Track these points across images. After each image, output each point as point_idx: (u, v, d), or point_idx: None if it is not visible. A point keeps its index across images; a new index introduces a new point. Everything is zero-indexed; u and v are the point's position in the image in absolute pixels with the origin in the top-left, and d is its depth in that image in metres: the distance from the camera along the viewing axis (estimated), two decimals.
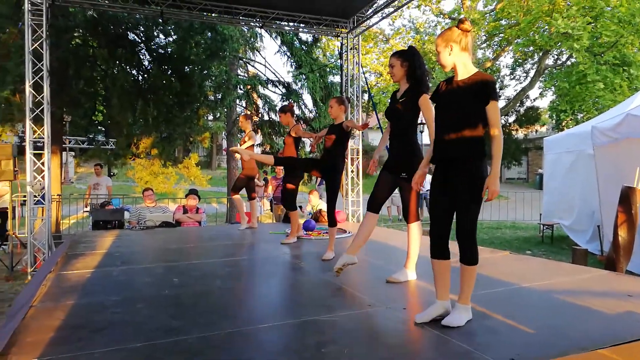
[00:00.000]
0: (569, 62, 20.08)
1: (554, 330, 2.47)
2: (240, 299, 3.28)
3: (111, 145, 11.85)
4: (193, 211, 7.64)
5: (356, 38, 9.54)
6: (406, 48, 3.52)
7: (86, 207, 9.33)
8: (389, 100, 3.60)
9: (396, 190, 3.58)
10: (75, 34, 8.28)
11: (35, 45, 6.82)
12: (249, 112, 6.48)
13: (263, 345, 2.35)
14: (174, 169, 12.65)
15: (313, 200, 8.79)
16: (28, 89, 6.77)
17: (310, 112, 15.49)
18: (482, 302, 2.87)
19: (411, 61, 3.37)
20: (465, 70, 2.52)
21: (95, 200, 9.19)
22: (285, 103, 6.95)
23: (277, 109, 8.55)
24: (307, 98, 22.05)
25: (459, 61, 2.52)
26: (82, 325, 2.61)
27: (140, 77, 9.63)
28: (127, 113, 9.40)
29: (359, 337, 2.43)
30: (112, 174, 12.75)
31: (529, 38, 17.68)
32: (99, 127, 11.11)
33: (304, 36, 15.72)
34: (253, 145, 6.34)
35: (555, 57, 21.67)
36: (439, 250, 2.58)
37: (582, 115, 19.57)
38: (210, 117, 15.60)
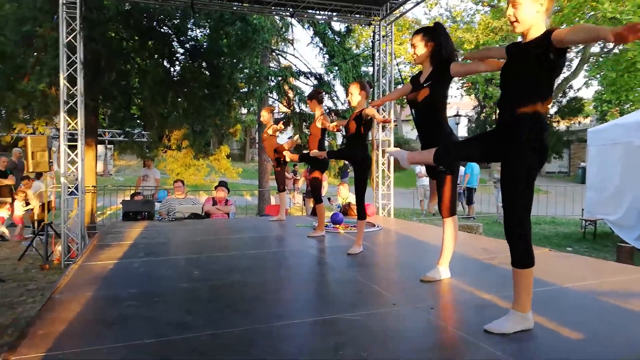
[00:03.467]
0: (616, 50, 18.98)
1: (599, 337, 2.22)
2: (259, 294, 3.15)
3: (146, 138, 12.03)
4: (222, 203, 7.61)
5: (389, 26, 9.24)
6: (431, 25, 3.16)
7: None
8: (410, 84, 3.24)
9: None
10: (108, 27, 8.36)
11: (69, 38, 6.91)
12: (271, 106, 6.35)
13: (275, 345, 2.21)
14: (205, 161, 12.74)
15: (342, 192, 8.60)
16: (62, 82, 6.87)
17: (343, 103, 15.28)
18: None
19: (437, 40, 3.00)
20: (537, 36, 2.10)
21: (142, 191, 9.36)
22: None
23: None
24: (340, 90, 21.81)
25: (537, 22, 2.10)
26: (94, 319, 2.55)
27: (171, 69, 9.69)
28: (158, 105, 9.47)
29: (379, 338, 2.25)
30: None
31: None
32: (136, 120, 11.27)
33: (337, 26, 15.50)
34: (276, 136, 6.17)
35: (602, 44, 20.54)
36: None
37: (628, 105, 18.50)
38: (243, 110, 15.62)
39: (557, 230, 10.47)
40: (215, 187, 7.95)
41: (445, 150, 2.52)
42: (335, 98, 16.14)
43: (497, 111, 2.33)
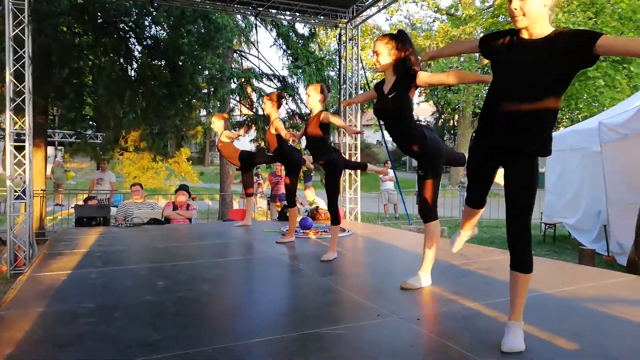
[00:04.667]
0: None
1: (596, 348, 2.15)
2: (230, 307, 2.93)
3: (99, 139, 11.43)
4: (183, 208, 7.27)
5: (355, 29, 9.19)
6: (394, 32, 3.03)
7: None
8: (375, 91, 3.13)
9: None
10: (59, 20, 7.84)
11: (17, 31, 6.40)
12: (224, 114, 6.14)
13: None
14: (164, 164, 12.24)
15: (309, 196, 8.44)
16: (9, 77, 6.35)
17: (307, 107, 15.15)
18: (505, 311, 2.53)
19: (401, 48, 2.88)
20: (541, 31, 1.98)
21: (96, 195, 8.82)
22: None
23: None
24: (303, 93, 21.69)
25: (543, 17, 1.97)
26: (46, 339, 2.25)
27: (128, 67, 9.22)
28: (114, 105, 8.98)
29: (369, 354, 2.09)
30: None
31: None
32: (89, 121, 10.67)
33: (301, 29, 15.38)
34: (232, 141, 5.94)
35: None
36: None
37: (577, 113, 19.34)
38: (203, 112, 15.21)
39: None
40: (176, 191, 7.59)
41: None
42: (299, 101, 16.01)
43: (486, 113, 2.18)
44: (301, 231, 5.53)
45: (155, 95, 9.17)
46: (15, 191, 6.46)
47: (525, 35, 2.02)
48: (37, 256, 4.63)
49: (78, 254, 4.33)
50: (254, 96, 14.49)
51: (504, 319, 2.25)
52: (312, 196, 8.42)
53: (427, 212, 3.03)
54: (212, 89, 10.95)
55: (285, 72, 15.36)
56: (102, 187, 9.31)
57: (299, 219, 5.79)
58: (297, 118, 15.17)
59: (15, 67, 6.39)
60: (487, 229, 11.37)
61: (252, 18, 15.54)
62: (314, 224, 6.01)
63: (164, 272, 3.65)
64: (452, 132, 37.39)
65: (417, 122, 3.13)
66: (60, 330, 2.37)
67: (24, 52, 6.43)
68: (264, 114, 13.97)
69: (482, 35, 2.55)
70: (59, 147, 18.14)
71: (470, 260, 4.02)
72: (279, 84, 15.55)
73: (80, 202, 8.23)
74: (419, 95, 31.02)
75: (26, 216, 6.53)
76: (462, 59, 20.98)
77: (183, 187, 7.56)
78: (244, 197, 7.44)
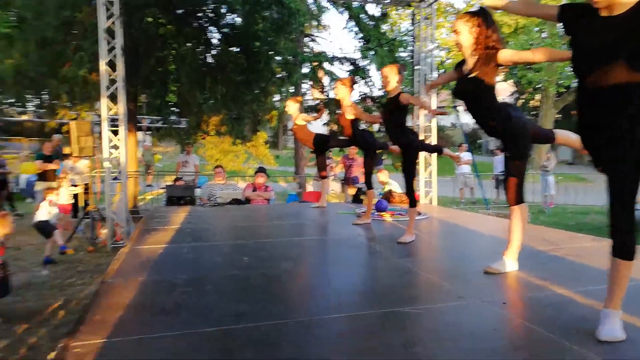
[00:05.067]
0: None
1: None
2: (310, 285, 3.04)
3: (183, 124, 12.10)
4: (262, 189, 7.55)
5: (429, 7, 8.88)
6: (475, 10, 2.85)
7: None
8: (455, 72, 3.03)
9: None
10: (146, 12, 8.34)
11: (109, 23, 6.91)
12: (298, 97, 6.23)
13: (341, 339, 2.08)
14: (243, 147, 12.73)
15: (382, 178, 8.40)
16: (103, 67, 6.90)
17: (380, 89, 14.97)
18: (598, 299, 2.40)
19: (482, 26, 2.73)
20: (620, 8, 1.87)
21: (182, 177, 9.42)
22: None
23: None
24: (376, 75, 21.44)
25: None
26: (149, 306, 2.48)
27: (208, 55, 9.64)
28: (196, 92, 9.45)
29: (451, 336, 2.09)
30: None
31: None
32: (172, 108, 11.33)
33: (372, 10, 15.14)
34: (306, 124, 6.02)
35: None
36: None
37: None
38: (277, 97, 15.59)
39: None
40: (255, 173, 7.89)
41: None
42: (370, 84, 15.86)
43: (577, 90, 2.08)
44: (377, 213, 5.55)
45: (232, 81, 9.52)
46: (112, 172, 7.06)
47: (604, 13, 1.90)
48: (134, 231, 5.05)
49: (170, 230, 4.67)
50: (325, 80, 14.57)
51: (597, 307, 2.14)
52: (385, 178, 8.37)
53: (514, 194, 2.92)
54: (286, 74, 11.16)
55: (356, 55, 15.23)
56: (187, 169, 9.91)
57: (374, 202, 5.80)
58: (369, 101, 15.07)
59: (109, 57, 6.92)
60: (573, 215, 10.69)
61: (323, 1, 15.56)
62: (388, 206, 6.00)
63: (247, 250, 3.85)
64: (533, 112, 35.20)
65: (502, 102, 3.00)
66: (159, 298, 2.60)
67: (115, 44, 6.94)
68: (335, 97, 14.05)
69: (563, 3, 2.38)
70: (147, 132, 19.46)
71: (557, 246, 3.82)
72: (350, 67, 15.50)
73: (169, 183, 8.82)
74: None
75: (122, 195, 7.13)
76: (544, 34, 19.61)
77: (261, 170, 7.84)
78: (318, 179, 7.57)
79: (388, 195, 7.32)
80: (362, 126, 5.37)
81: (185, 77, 9.08)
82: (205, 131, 10.51)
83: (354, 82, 5.23)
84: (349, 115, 5.01)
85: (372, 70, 14.82)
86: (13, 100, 8.81)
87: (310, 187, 12.14)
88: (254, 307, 2.42)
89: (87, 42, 7.46)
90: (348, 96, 5.08)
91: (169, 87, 10.19)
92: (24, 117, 13.97)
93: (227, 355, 1.90)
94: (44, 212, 6.32)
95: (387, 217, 5.49)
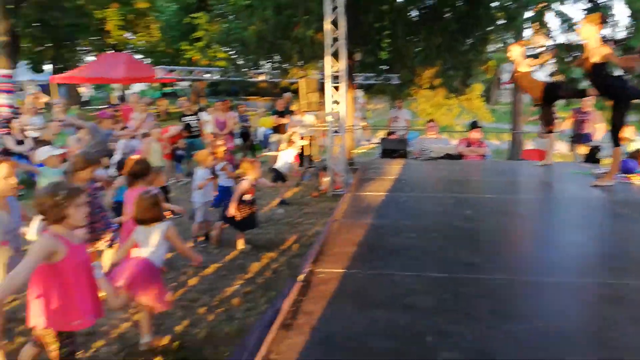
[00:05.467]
0: None
1: None
2: (545, 243, 2.76)
3: (396, 80, 12.20)
4: (476, 145, 7.16)
5: None
6: None
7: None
8: None
9: None
10: None
11: None
12: (522, 41, 5.43)
13: (587, 305, 1.84)
14: (456, 101, 12.22)
15: (626, 134, 7.04)
16: (327, 26, 7.35)
17: (626, 28, 12.38)
18: None
19: None
20: None
21: (395, 131, 9.70)
22: None
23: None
24: (620, 11, 17.70)
25: None
26: (378, 245, 2.62)
27: (424, 5, 9.36)
28: (411, 44, 9.34)
29: None
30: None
31: None
32: (384, 64, 11.48)
33: None
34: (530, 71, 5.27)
35: None
36: None
37: None
38: (493, 48, 14.33)
39: None
40: (470, 128, 7.51)
41: None
42: (613, 24, 13.21)
43: None
44: (623, 175, 4.70)
45: (448, 30, 9.07)
46: (333, 126, 7.62)
47: None
48: (353, 180, 5.40)
49: (387, 180, 4.83)
50: (552, 23, 12.71)
51: None
52: (631, 135, 7.01)
53: None
54: (508, 19, 10.08)
55: None
56: (398, 124, 10.06)
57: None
58: (612, 44, 12.62)
59: (332, 16, 7.32)
60: None
61: None
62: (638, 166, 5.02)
63: (468, 203, 3.71)
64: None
65: None
66: (387, 239, 2.72)
67: (337, 3, 7.28)
68: (565, 43, 12.13)
69: None
70: (360, 90, 20.35)
71: None
72: (588, 4, 13.13)
73: (382, 137, 9.12)
74: None
75: (341, 147, 7.68)
76: None
77: (476, 124, 7.42)
78: (542, 136, 6.78)
79: (635, 154, 6.12)
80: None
81: (401, 30, 9.03)
82: (418, 85, 10.38)
83: (604, 20, 4.39)
84: (596, 58, 4.24)
85: (617, 7, 12.26)
86: (251, 65, 10.14)
87: (529, 145, 11.05)
88: (484, 259, 2.33)
89: (314, 4, 8.00)
90: (595, 35, 4.30)
91: (383, 43, 10.31)
92: (260, 78, 16.09)
93: (462, 302, 1.88)
94: (281, 161, 7.19)
95: (636, 179, 4.60)
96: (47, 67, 25.03)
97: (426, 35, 9.09)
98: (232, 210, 4.89)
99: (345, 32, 7.39)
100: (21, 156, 7.33)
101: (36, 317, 2.13)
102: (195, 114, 9.18)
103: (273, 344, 1.54)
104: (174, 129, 8.98)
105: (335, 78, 7.54)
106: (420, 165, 6.19)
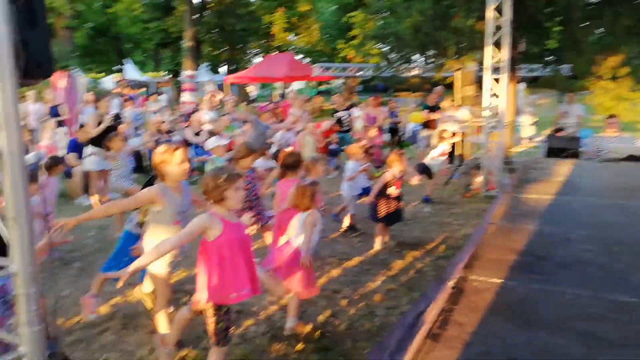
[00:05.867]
0: None
1: None
2: None
3: (566, 71, 10.80)
4: None
5: None
6: None
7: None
8: None
9: None
10: None
11: None
12: None
13: None
14: None
15: None
16: (490, 13, 6.78)
17: None
18: None
19: None
20: None
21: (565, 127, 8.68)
22: None
23: None
24: None
25: None
26: (544, 256, 2.28)
27: None
28: (588, 29, 8.13)
29: None
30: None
31: None
32: (553, 53, 10.23)
33: None
34: None
35: None
36: None
37: None
38: None
39: None
40: None
41: None
42: None
43: None
44: None
45: (638, 10, 7.67)
46: (490, 121, 7.03)
47: None
48: (511, 180, 4.89)
49: (554, 182, 4.27)
50: None
51: None
52: None
53: None
54: None
55: None
56: (568, 121, 8.88)
57: None
58: None
59: (496, 3, 6.71)
60: None
61: None
62: None
63: None
64: None
65: None
66: (556, 250, 2.35)
67: None
68: None
69: None
70: (521, 83, 18.58)
71: None
72: None
73: (548, 134, 8.15)
74: None
75: (498, 144, 7.04)
76: None
77: None
78: None
79: None
80: None
81: (578, 13, 7.92)
82: (597, 75, 9.00)
83: None
84: None
85: None
86: (404, 60, 9.93)
87: None
88: None
89: None
90: None
91: (552, 29, 9.17)
92: (412, 73, 15.76)
93: None
94: (431, 157, 6.89)
95: None
96: (222, 69, 28.22)
97: (611, 17, 7.81)
98: (372, 197, 4.85)
99: (510, 19, 6.74)
100: (197, 146, 8.32)
101: (200, 292, 2.33)
102: (347, 109, 9.37)
103: (418, 354, 1.41)
104: (327, 123, 9.30)
105: (496, 70, 6.93)
106: (597, 167, 5.35)
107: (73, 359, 2.80)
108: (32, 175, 3.72)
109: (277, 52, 24.83)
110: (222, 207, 2.32)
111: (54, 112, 9.22)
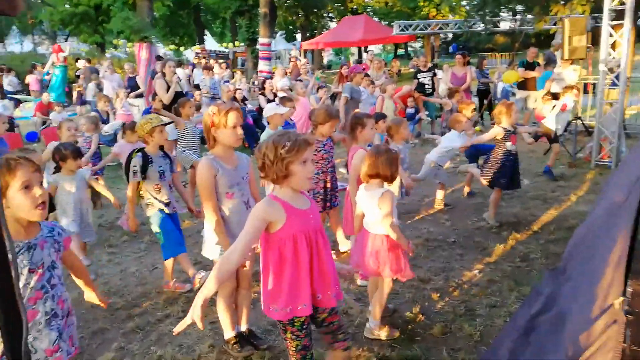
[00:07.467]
0: None
1: None
2: None
3: None
4: None
5: None
6: None
7: None
8: None
9: None
10: None
11: None
12: None
13: None
14: None
15: None
16: None
17: None
18: None
19: None
20: None
21: None
22: None
23: None
24: None
25: None
26: None
27: None
28: None
29: None
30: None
31: None
32: None
33: None
34: None
35: None
36: None
37: None
38: None
39: None
40: None
41: None
42: None
43: None
44: None
45: None
46: (608, 76, 5.91)
47: None
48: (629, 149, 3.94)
49: None
50: None
51: None
52: None
53: None
54: None
55: None
56: None
57: None
58: None
59: None
60: None
61: None
62: None
63: None
64: None
65: None
66: None
67: None
68: None
69: None
70: None
71: None
72: None
73: None
74: None
75: (616, 105, 5.92)
76: None
77: None
78: None
79: None
80: None
81: None
82: None
83: None
84: None
85: None
86: (497, 9, 8.77)
87: None
88: None
89: None
90: None
91: None
92: (504, 27, 14.20)
93: None
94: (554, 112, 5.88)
95: None
96: (297, 37, 27.79)
97: None
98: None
99: None
100: None
101: (264, 302, 1.79)
102: (430, 70, 8.53)
103: None
104: (406, 88, 8.54)
105: (617, 14, 5.75)
106: None
107: (128, 350, 2.55)
108: (76, 151, 3.56)
109: (352, 15, 23.82)
110: (285, 187, 1.75)
111: (130, 83, 9.31)
